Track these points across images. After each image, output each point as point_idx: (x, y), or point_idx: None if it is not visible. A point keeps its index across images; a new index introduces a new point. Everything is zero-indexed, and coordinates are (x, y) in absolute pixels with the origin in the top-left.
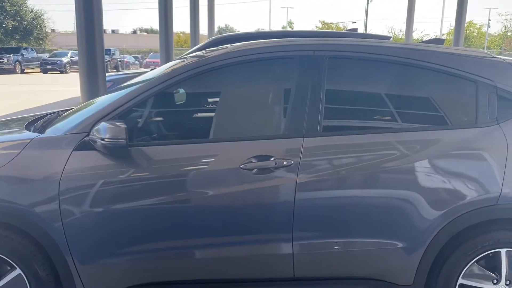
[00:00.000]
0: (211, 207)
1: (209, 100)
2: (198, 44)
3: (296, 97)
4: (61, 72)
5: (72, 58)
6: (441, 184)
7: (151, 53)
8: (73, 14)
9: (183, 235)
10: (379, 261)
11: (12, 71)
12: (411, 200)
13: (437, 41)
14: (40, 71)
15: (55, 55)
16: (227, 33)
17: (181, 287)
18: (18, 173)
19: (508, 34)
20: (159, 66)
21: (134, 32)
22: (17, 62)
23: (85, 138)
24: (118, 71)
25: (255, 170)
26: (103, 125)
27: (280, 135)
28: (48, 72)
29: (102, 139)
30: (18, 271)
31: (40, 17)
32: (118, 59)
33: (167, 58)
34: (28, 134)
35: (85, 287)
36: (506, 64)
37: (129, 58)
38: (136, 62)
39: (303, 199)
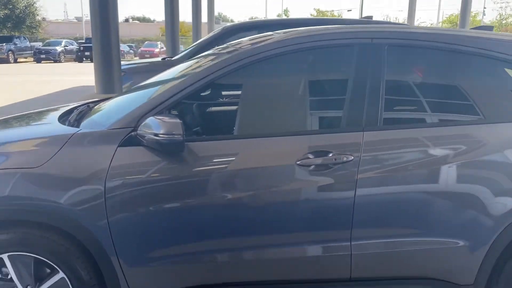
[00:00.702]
0: (265, 206)
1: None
2: (199, 32)
3: (354, 88)
4: (55, 61)
5: (66, 47)
6: (507, 179)
7: (146, 42)
8: (63, 1)
9: (239, 235)
10: (440, 260)
11: (5, 61)
12: (476, 197)
13: (487, 28)
14: (34, 61)
15: (48, 44)
16: (239, 21)
17: None
18: (60, 171)
19: (503, 22)
20: (154, 55)
21: (126, 20)
22: (10, 52)
23: (132, 133)
24: None
25: (312, 166)
26: (152, 119)
27: (337, 129)
28: (42, 62)
29: (155, 135)
30: (61, 274)
31: (32, 5)
32: None
33: (173, 46)
34: (66, 129)
35: None
36: None
37: (123, 47)
38: (131, 51)
39: (363, 196)
